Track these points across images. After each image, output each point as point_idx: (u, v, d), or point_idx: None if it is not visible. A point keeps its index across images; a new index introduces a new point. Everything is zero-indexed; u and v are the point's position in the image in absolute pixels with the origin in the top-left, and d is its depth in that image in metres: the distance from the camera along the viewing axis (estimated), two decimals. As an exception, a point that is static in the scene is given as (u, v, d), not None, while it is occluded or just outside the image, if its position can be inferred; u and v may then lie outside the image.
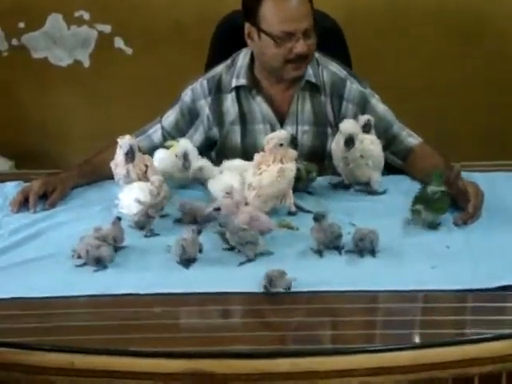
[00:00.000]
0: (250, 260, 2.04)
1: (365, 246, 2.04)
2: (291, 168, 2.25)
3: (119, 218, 2.11)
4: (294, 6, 2.41)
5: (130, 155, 2.32)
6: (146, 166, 2.35)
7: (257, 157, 2.30)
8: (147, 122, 2.71)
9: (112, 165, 2.38)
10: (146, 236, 2.17)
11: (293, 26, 2.41)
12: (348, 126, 2.39)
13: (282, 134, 2.29)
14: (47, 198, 2.37)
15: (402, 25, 3.49)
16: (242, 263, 2.03)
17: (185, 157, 2.41)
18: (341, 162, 2.40)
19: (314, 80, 2.54)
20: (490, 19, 3.48)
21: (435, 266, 1.98)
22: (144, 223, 2.18)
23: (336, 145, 2.41)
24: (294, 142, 2.26)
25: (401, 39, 3.50)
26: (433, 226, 2.17)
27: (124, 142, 2.33)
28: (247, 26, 2.49)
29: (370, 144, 2.39)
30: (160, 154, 2.49)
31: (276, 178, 2.23)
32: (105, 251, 2.03)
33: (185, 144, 2.45)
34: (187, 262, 2.03)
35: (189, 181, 2.44)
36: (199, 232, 2.04)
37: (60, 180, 2.43)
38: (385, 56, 3.52)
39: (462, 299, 1.90)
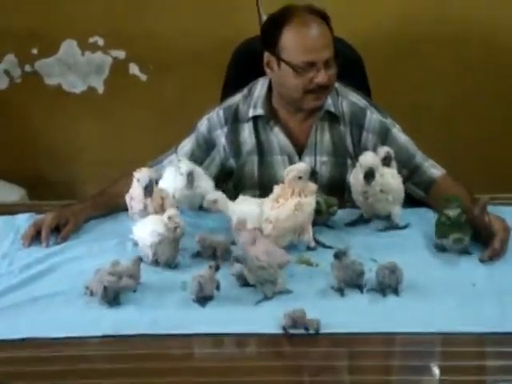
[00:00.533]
0: (267, 298, 1.97)
1: (388, 285, 1.97)
2: (310, 202, 2.19)
3: (141, 259, 2.05)
4: (316, 35, 2.36)
5: (148, 189, 2.25)
6: (162, 199, 2.29)
7: (276, 189, 2.25)
8: (161, 149, 2.66)
9: (127, 198, 2.32)
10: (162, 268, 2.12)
11: (314, 56, 2.35)
12: (368, 158, 2.31)
13: (301, 166, 2.23)
14: (60, 231, 2.31)
15: (418, 52, 3.44)
16: (259, 302, 1.97)
17: (189, 175, 2.34)
18: (360, 196, 2.33)
19: (333, 110, 2.49)
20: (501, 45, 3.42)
21: (461, 305, 1.92)
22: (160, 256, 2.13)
23: (355, 178, 2.34)
24: (313, 175, 2.20)
25: (417, 67, 3.45)
26: (466, 250, 2.14)
27: (142, 175, 2.27)
28: (266, 55, 2.44)
29: (391, 178, 2.32)
30: (167, 173, 2.44)
31: (293, 211, 2.18)
32: (125, 282, 1.97)
33: (190, 164, 2.39)
34: (204, 299, 1.96)
35: (196, 201, 2.37)
36: (217, 269, 1.98)
37: (73, 212, 2.37)
38: (400, 83, 3.46)
39: (489, 343, 1.83)
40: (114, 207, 2.45)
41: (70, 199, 3.18)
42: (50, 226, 2.30)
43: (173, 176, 2.39)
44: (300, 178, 2.19)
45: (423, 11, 3.37)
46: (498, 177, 3.43)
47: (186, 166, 2.36)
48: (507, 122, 3.50)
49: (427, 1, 3.36)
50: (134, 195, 2.28)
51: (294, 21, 2.36)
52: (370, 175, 2.29)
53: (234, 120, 2.53)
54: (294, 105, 2.48)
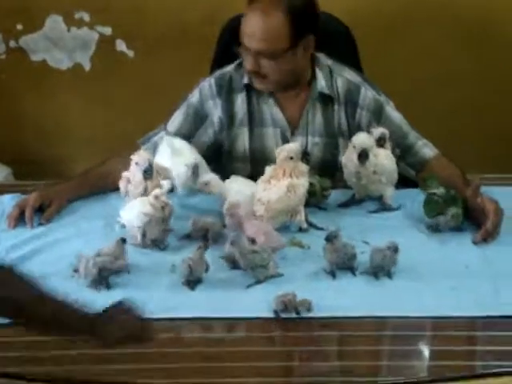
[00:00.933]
0: (258, 282, 1.94)
1: (381, 267, 1.95)
2: (302, 183, 2.16)
3: (123, 240, 2.00)
4: (254, 24, 2.32)
5: (148, 173, 2.20)
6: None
7: (267, 170, 2.22)
8: (150, 125, 2.60)
9: (122, 181, 2.26)
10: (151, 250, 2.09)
11: (246, 42, 2.34)
12: (362, 139, 2.27)
13: (292, 146, 2.19)
14: (44, 211, 2.27)
15: (409, 27, 3.37)
16: (250, 285, 1.94)
17: (194, 169, 2.29)
18: (353, 177, 2.29)
19: (327, 91, 2.44)
20: (499, 19, 3.37)
21: (455, 288, 1.89)
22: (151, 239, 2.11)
23: (348, 159, 2.30)
24: (305, 156, 2.16)
25: (408, 42, 3.40)
26: (459, 227, 2.15)
27: (142, 159, 2.22)
28: None
29: (385, 159, 2.29)
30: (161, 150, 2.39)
31: (285, 193, 2.14)
32: (118, 264, 1.95)
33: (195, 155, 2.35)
34: (193, 283, 1.93)
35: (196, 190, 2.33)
36: (206, 248, 1.95)
37: (56, 192, 2.33)
38: (392, 58, 3.41)
39: (484, 326, 1.81)
40: (101, 187, 2.40)
41: (57, 177, 3.16)
42: (34, 207, 2.25)
43: (167, 153, 2.34)
44: (291, 158, 2.15)
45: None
46: (488, 156, 3.40)
47: (190, 157, 2.31)
48: (499, 97, 3.46)
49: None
50: (133, 179, 2.23)
51: (251, 4, 2.34)
52: (363, 156, 2.25)
53: (227, 89, 2.48)
54: None
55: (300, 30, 2.33)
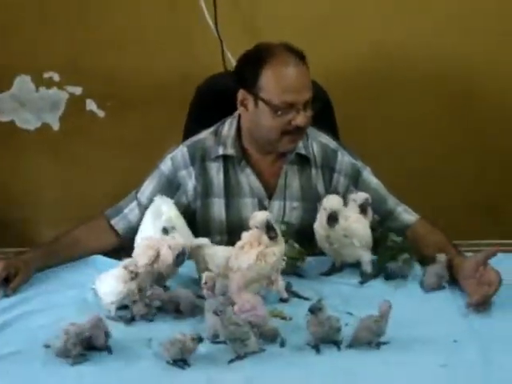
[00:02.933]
0: (239, 357, 1.85)
1: (368, 341, 1.87)
2: (273, 252, 2.09)
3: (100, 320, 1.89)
4: (296, 75, 2.28)
5: (180, 259, 2.13)
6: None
7: (243, 236, 2.14)
8: (120, 189, 2.54)
9: (146, 254, 2.13)
10: (125, 324, 2.00)
11: (294, 97, 2.27)
12: (332, 201, 2.23)
13: (258, 216, 2.12)
14: (9, 281, 2.16)
15: (388, 89, 3.37)
16: (231, 361, 1.84)
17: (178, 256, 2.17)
18: (325, 242, 2.24)
19: (303, 152, 2.41)
20: (479, 83, 3.37)
21: (445, 365, 1.81)
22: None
23: (319, 223, 2.25)
24: (269, 228, 2.08)
25: (387, 104, 3.38)
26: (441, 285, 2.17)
27: (176, 243, 2.13)
28: (242, 93, 2.34)
29: (355, 222, 2.24)
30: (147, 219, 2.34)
31: (255, 261, 2.07)
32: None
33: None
34: (181, 361, 1.83)
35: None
36: (200, 341, 1.84)
37: (24, 262, 2.23)
38: (370, 121, 3.39)
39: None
40: (70, 256, 2.33)
41: (24, 241, 3.10)
42: (0, 277, 2.15)
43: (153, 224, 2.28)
44: (256, 227, 2.10)
45: (394, 47, 3.32)
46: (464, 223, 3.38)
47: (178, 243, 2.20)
48: (485, 160, 3.46)
49: (397, 36, 3.30)
50: (162, 260, 2.12)
51: (273, 60, 2.28)
52: (332, 219, 2.20)
53: (201, 158, 2.43)
54: (267, 146, 2.39)
55: None
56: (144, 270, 2.06)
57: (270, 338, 1.90)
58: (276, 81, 2.27)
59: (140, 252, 2.15)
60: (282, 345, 1.90)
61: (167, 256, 2.11)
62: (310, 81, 2.32)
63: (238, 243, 2.14)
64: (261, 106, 2.30)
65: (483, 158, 3.47)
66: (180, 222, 2.30)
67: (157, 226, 2.27)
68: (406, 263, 2.21)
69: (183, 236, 2.23)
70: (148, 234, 2.26)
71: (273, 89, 2.27)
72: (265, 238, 2.09)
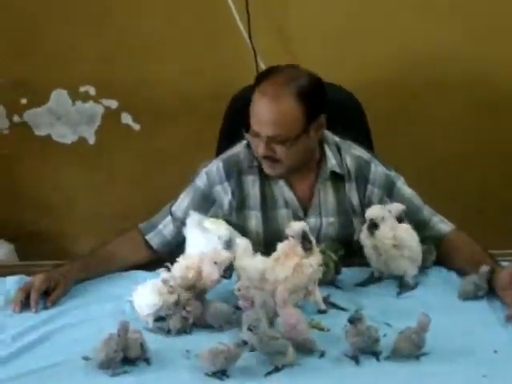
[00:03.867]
0: (277, 369, 1.84)
1: (409, 352, 1.86)
2: (310, 263, 2.08)
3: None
4: (264, 110, 2.25)
5: (228, 272, 2.11)
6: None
7: (279, 247, 2.13)
8: (154, 202, 2.55)
9: (191, 273, 2.11)
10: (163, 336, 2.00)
11: (257, 128, 2.28)
12: (372, 210, 2.24)
13: (295, 225, 2.11)
14: (48, 293, 2.18)
15: (422, 95, 3.35)
16: (268, 373, 1.84)
17: (227, 243, 2.20)
18: (372, 253, 2.23)
19: (338, 170, 2.40)
20: (505, 89, 3.34)
21: (486, 375, 1.79)
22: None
23: (363, 234, 2.25)
24: (305, 238, 2.08)
25: (419, 117, 3.37)
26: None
27: (222, 258, 2.10)
28: None
29: (404, 233, 2.22)
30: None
31: (292, 273, 2.06)
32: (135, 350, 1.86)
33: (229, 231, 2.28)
34: (221, 373, 1.83)
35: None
36: (245, 344, 1.85)
37: (62, 274, 2.24)
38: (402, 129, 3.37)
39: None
40: (107, 268, 2.34)
41: (60, 254, 3.11)
42: (40, 290, 2.17)
43: (200, 239, 2.27)
44: (293, 237, 2.09)
45: (423, 58, 3.30)
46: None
47: (224, 231, 2.24)
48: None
49: (426, 49, 3.28)
50: (208, 277, 2.10)
51: (258, 88, 2.28)
52: (372, 226, 2.21)
53: (237, 172, 2.42)
54: None
55: (312, 112, 2.28)
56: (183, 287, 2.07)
57: (308, 350, 1.89)
58: (252, 107, 2.29)
59: (179, 273, 2.12)
60: (322, 356, 1.89)
61: (213, 272, 2.09)
62: (285, 120, 2.25)
63: (274, 254, 2.13)
64: None
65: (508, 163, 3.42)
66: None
67: (209, 239, 2.26)
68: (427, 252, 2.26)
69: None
70: (200, 249, 2.22)
71: (250, 114, 2.29)
72: (299, 248, 2.09)
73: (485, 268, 2.15)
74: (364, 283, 2.26)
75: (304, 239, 2.09)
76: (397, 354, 1.87)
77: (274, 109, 2.24)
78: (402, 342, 1.86)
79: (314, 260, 2.10)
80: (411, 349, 1.86)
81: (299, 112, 2.25)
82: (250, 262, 2.15)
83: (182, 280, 2.08)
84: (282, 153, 2.29)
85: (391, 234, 2.21)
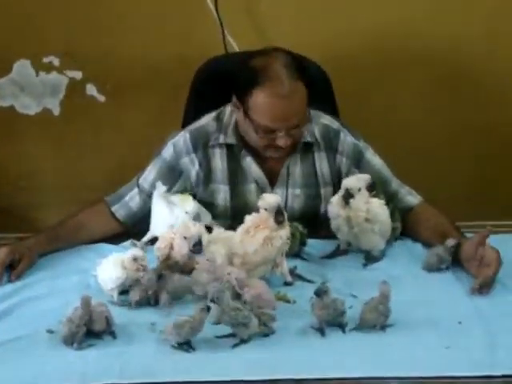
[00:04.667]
0: (243, 341, 1.85)
1: (373, 324, 1.87)
2: (280, 235, 2.08)
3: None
4: (285, 107, 2.23)
5: (197, 247, 2.09)
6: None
7: (247, 219, 2.13)
8: (121, 173, 2.53)
9: (162, 247, 2.14)
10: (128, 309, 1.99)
11: (279, 125, 2.26)
12: (348, 181, 2.24)
13: (270, 198, 2.12)
14: (13, 267, 2.16)
15: (390, 69, 3.34)
16: (235, 345, 1.84)
17: (195, 218, 2.24)
18: (344, 225, 2.22)
19: (308, 139, 2.39)
20: (480, 62, 3.34)
21: (449, 346, 1.81)
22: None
23: (336, 204, 2.24)
24: (278, 211, 2.08)
25: (388, 84, 3.36)
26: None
27: (191, 233, 2.09)
28: (234, 97, 2.33)
29: (378, 207, 2.23)
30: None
31: (262, 245, 2.07)
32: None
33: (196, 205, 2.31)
34: (186, 345, 1.82)
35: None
36: (208, 309, 1.84)
37: (27, 247, 2.22)
38: (371, 101, 3.37)
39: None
40: (74, 240, 2.33)
41: (25, 226, 3.08)
42: (4, 263, 2.14)
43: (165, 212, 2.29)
44: (265, 209, 2.09)
45: (391, 26, 3.29)
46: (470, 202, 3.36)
47: (191, 206, 2.28)
48: (483, 138, 3.44)
49: (395, 16, 3.27)
50: (178, 251, 2.10)
51: (267, 84, 2.22)
52: (348, 195, 2.21)
53: (203, 144, 2.41)
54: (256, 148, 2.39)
55: (308, 87, 2.28)
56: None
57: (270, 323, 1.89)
58: (263, 108, 2.24)
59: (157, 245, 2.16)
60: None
61: (182, 246, 2.09)
62: (303, 104, 2.27)
63: (242, 226, 2.13)
64: (247, 121, 2.29)
65: (483, 136, 3.43)
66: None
67: (175, 213, 2.28)
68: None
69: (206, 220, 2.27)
70: (165, 222, 2.26)
71: (259, 113, 2.25)
72: (271, 221, 2.08)
73: (451, 242, 2.15)
74: (330, 256, 2.26)
75: (277, 212, 2.08)
76: (364, 325, 1.87)
77: (291, 104, 2.24)
78: (367, 313, 1.87)
79: (284, 232, 2.10)
80: (378, 319, 1.86)
81: (305, 92, 2.27)
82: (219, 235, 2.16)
83: (158, 251, 2.11)
84: (298, 134, 2.33)
85: (365, 207, 2.21)
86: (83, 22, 3.28)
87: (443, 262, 2.15)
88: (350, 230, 2.22)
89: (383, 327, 1.87)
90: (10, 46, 3.30)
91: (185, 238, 2.09)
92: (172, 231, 2.16)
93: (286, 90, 2.21)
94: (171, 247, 2.11)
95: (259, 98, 2.23)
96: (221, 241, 2.13)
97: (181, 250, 2.09)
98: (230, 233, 2.17)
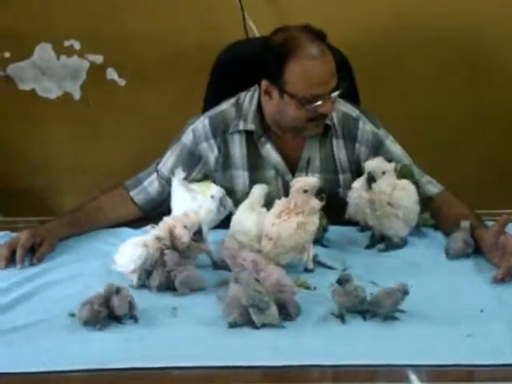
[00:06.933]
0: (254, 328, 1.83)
1: (392, 310, 1.86)
2: (313, 221, 2.08)
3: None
4: (323, 68, 2.25)
5: (198, 236, 2.09)
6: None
7: (278, 204, 2.13)
8: (141, 157, 2.54)
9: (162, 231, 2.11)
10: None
11: (322, 89, 2.25)
12: (371, 164, 2.22)
13: (309, 179, 2.14)
14: (34, 250, 2.17)
15: (408, 58, 3.32)
16: (231, 325, 1.83)
17: (221, 200, 2.28)
18: (367, 208, 2.21)
19: (327, 122, 2.37)
20: (504, 43, 3.31)
21: (471, 335, 1.80)
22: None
23: (359, 189, 2.23)
24: (320, 193, 2.08)
25: (407, 73, 3.34)
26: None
27: (191, 221, 2.08)
28: (265, 83, 2.31)
29: (402, 190, 2.21)
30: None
31: (295, 230, 2.06)
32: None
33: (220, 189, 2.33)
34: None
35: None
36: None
37: (48, 230, 2.23)
38: (387, 88, 3.35)
39: (504, 375, 1.71)
40: (94, 224, 2.34)
41: (44, 209, 3.10)
42: (26, 247, 2.16)
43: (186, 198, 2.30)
44: (305, 191, 2.08)
45: (411, 14, 3.26)
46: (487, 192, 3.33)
47: (216, 190, 2.30)
48: (498, 132, 3.41)
49: (414, 5, 3.24)
50: (179, 239, 2.09)
51: (298, 53, 2.23)
52: (371, 179, 2.19)
53: (222, 130, 2.40)
54: (292, 131, 2.37)
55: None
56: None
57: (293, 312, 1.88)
58: (302, 76, 2.23)
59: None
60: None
61: (183, 235, 2.08)
62: (334, 65, 2.28)
63: (273, 211, 2.12)
64: (286, 99, 2.27)
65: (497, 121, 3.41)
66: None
67: (198, 200, 2.29)
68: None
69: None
70: (186, 207, 2.25)
71: (299, 84, 2.24)
72: (316, 201, 2.08)
73: (465, 223, 2.15)
74: (370, 245, 2.25)
75: (319, 193, 2.09)
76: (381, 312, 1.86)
77: (326, 64, 2.25)
78: (384, 300, 1.86)
79: (316, 218, 2.10)
80: (394, 307, 1.85)
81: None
82: (248, 215, 2.16)
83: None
84: (336, 102, 2.33)
85: (388, 189, 2.20)
86: (104, 6, 3.28)
87: (469, 246, 2.14)
88: (373, 212, 2.21)
89: (395, 316, 1.86)
90: (31, 29, 3.31)
91: (185, 226, 2.09)
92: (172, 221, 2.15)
93: (316, 50, 2.24)
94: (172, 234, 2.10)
95: (296, 67, 2.23)
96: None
97: (181, 239, 2.09)
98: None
